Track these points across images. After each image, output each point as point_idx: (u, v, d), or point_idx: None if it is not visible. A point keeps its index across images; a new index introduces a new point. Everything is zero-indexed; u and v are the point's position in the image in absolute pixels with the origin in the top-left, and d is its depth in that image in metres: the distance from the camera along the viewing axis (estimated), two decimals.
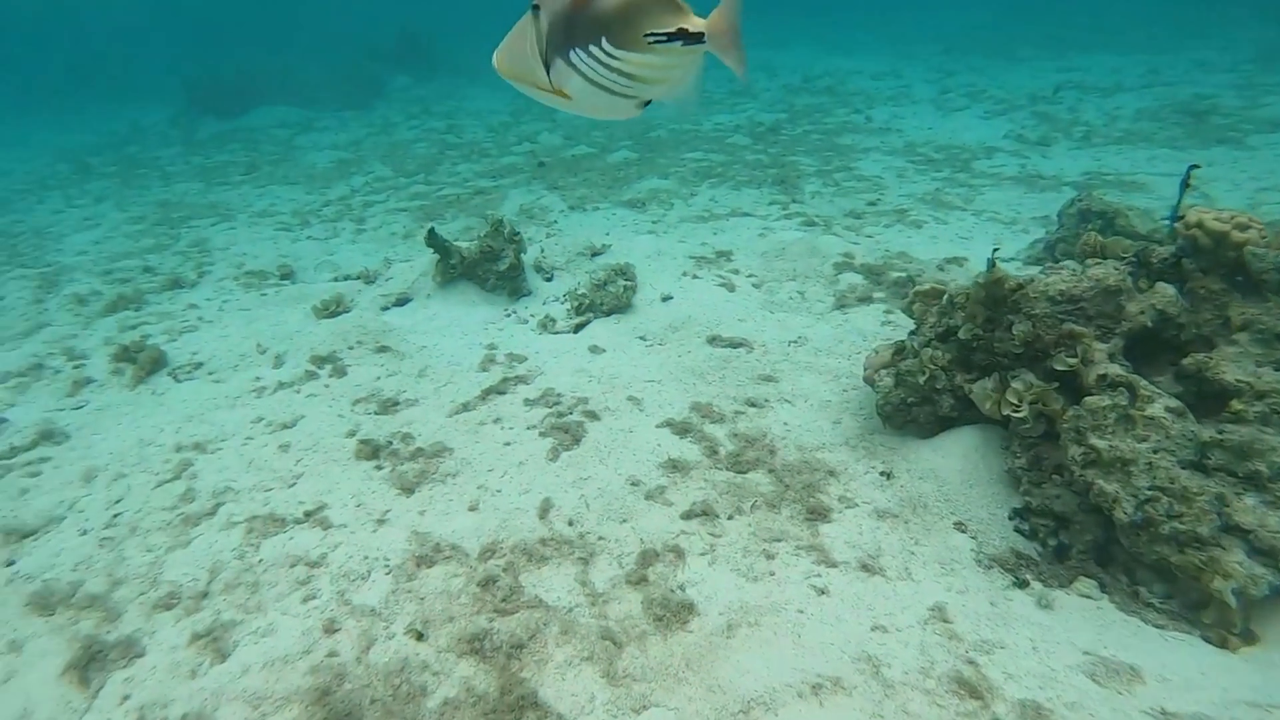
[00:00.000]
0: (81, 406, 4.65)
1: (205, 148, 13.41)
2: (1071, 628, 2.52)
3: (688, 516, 3.16)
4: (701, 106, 12.38)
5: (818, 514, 3.14)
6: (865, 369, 3.75)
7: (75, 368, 5.16)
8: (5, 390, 4.96)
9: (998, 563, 2.83)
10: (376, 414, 4.16)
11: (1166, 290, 2.94)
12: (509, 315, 5.31)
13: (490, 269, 5.46)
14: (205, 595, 2.99)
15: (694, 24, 1.75)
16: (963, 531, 3.00)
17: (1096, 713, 2.21)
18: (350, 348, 4.91)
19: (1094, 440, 2.64)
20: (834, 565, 2.88)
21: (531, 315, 5.24)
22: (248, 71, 17.47)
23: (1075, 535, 2.75)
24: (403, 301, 5.63)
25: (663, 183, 8.41)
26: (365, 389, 4.43)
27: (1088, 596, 2.63)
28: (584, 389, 4.19)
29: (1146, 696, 2.25)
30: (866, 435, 3.61)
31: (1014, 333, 3.04)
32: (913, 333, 3.60)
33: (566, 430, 3.80)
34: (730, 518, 3.16)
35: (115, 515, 3.56)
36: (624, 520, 3.18)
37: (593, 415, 3.93)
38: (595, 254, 6.14)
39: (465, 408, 4.12)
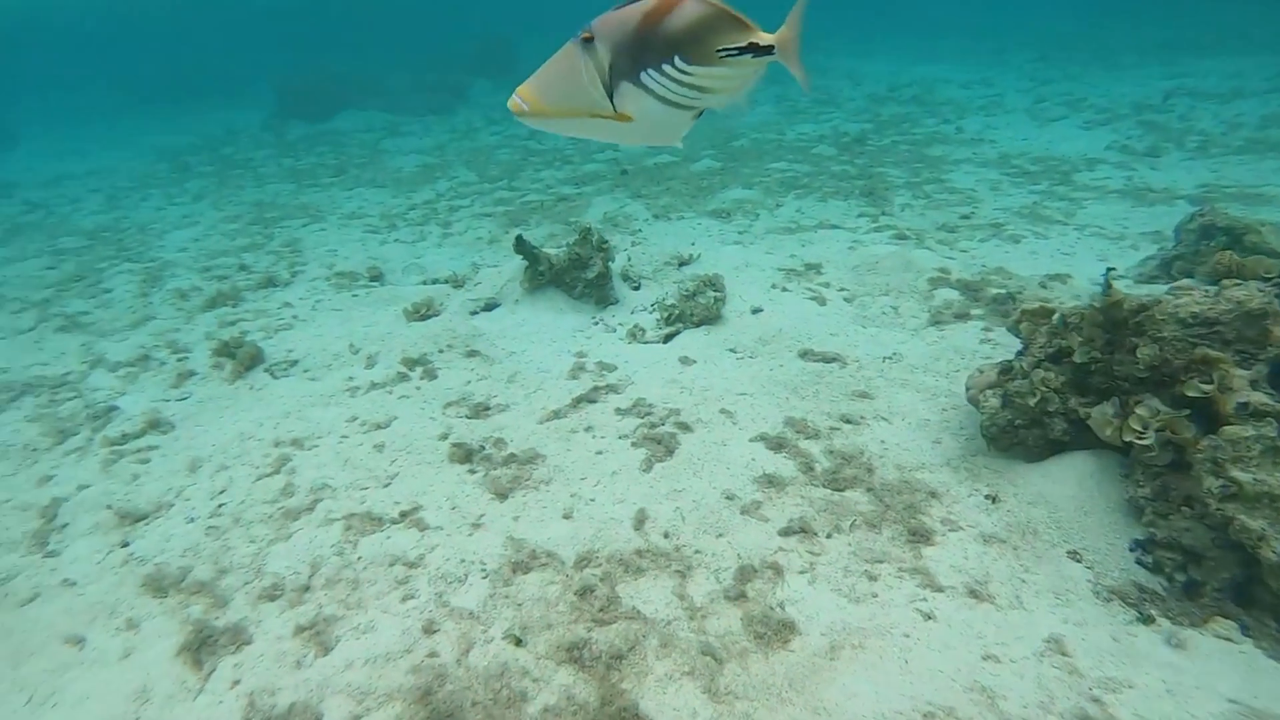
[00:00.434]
0: (185, 398, 4.83)
1: (295, 150, 13.89)
2: (1212, 672, 2.36)
3: (785, 533, 3.09)
4: (773, 111, 12.22)
5: (920, 536, 3.04)
6: (968, 388, 3.62)
7: (179, 360, 5.37)
8: (116, 379, 5.19)
9: (1118, 595, 2.68)
10: (468, 418, 4.20)
11: None
12: (596, 323, 5.31)
13: (578, 276, 5.47)
14: (307, 589, 3.05)
15: (762, 38, 1.94)
16: (1077, 561, 2.85)
17: None
18: (440, 351, 4.98)
19: (1235, 472, 2.48)
20: (940, 590, 2.78)
21: (620, 324, 5.23)
22: (334, 76, 18.08)
23: (1209, 572, 2.58)
24: (491, 307, 5.69)
25: (747, 193, 8.33)
26: (456, 392, 4.48)
27: (1227, 639, 2.46)
28: (675, 400, 4.15)
29: None
30: (968, 456, 3.48)
31: (1138, 356, 2.89)
32: (1020, 353, 3.46)
33: (659, 441, 3.76)
34: (829, 536, 3.08)
35: (220, 505, 3.67)
36: (720, 534, 3.13)
37: (685, 427, 3.89)
38: (682, 264, 6.11)
39: (556, 415, 4.13)
